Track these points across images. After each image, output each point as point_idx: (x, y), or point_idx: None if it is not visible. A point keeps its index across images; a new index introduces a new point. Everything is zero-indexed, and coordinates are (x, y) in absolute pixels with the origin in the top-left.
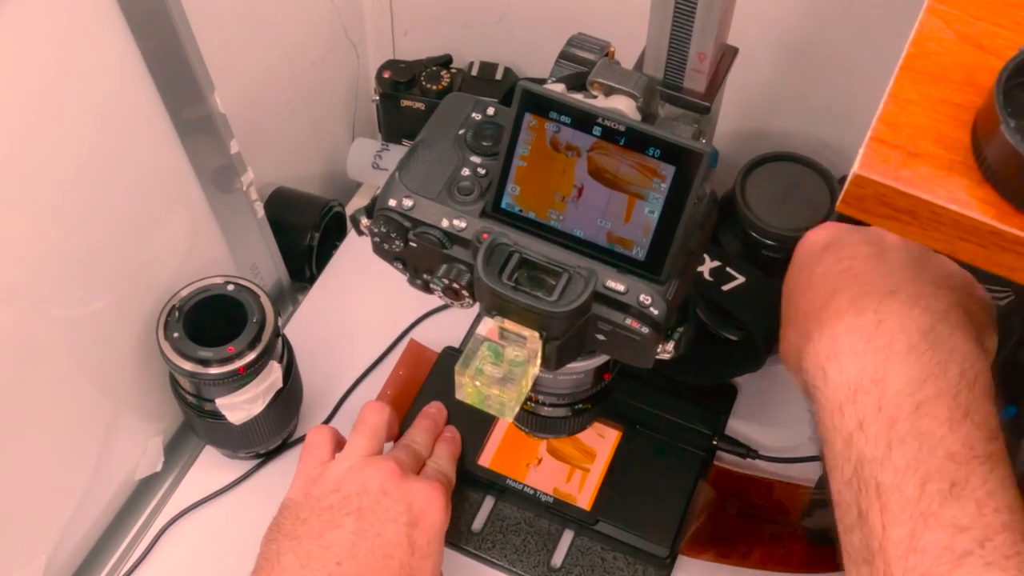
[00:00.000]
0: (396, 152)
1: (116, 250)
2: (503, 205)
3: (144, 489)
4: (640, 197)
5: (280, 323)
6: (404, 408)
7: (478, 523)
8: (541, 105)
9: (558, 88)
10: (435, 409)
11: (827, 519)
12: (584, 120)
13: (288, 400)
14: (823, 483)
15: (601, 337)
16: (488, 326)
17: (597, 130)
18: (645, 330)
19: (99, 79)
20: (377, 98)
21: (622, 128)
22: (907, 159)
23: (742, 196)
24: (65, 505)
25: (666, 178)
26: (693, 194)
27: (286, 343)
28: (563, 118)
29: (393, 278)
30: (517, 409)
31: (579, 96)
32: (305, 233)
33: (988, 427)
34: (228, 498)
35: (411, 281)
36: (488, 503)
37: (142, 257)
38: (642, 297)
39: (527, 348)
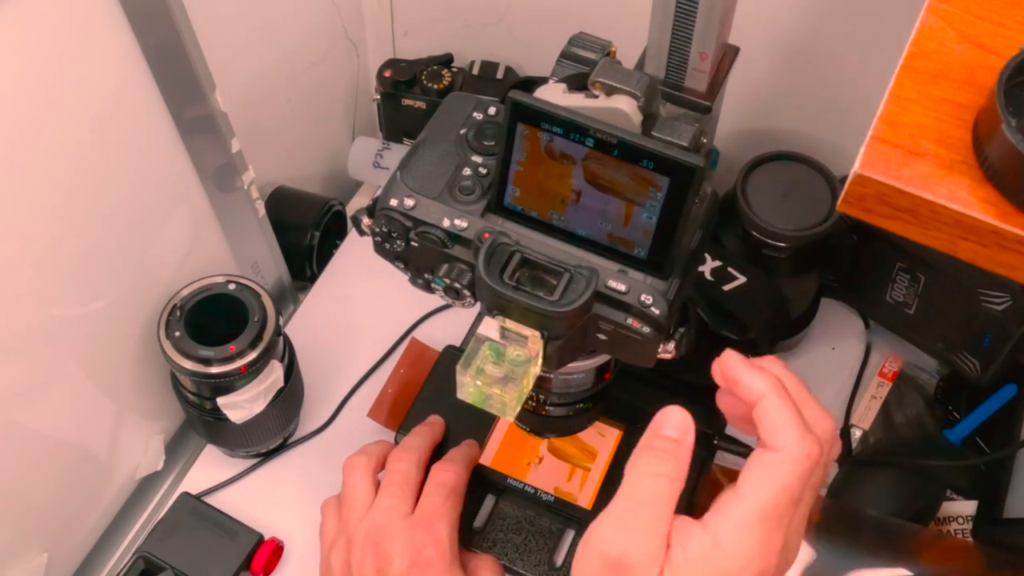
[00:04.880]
0: (397, 151)
1: (117, 249)
2: (504, 205)
3: (145, 488)
4: (637, 204)
5: (281, 322)
6: (405, 407)
7: (479, 522)
8: (532, 116)
9: (559, 88)
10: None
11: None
12: (576, 131)
13: (289, 399)
14: (837, 493)
15: (602, 337)
16: (489, 325)
17: (590, 141)
18: (646, 330)
19: (100, 78)
20: (378, 97)
21: (614, 140)
22: (908, 158)
23: (743, 196)
24: (66, 503)
25: (661, 188)
26: (689, 202)
27: (287, 342)
28: (555, 129)
29: (394, 277)
30: (518, 408)
31: (580, 95)
32: (305, 232)
33: None
34: (228, 497)
35: (412, 281)
36: (489, 502)
37: (143, 256)
38: (643, 297)
39: (528, 348)
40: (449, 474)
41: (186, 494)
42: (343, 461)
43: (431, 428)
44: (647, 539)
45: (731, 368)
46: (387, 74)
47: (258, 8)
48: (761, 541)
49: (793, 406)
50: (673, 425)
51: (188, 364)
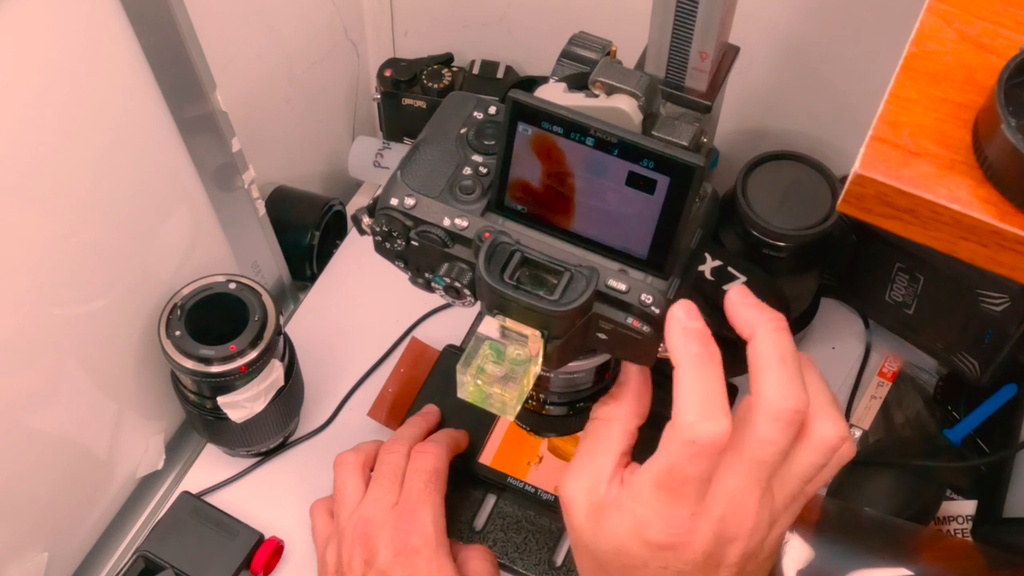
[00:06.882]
0: (397, 151)
1: (118, 248)
2: (505, 204)
3: (145, 487)
4: (637, 203)
5: (281, 321)
6: (405, 407)
7: (479, 521)
8: (532, 115)
9: (559, 87)
10: (422, 414)
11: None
12: (577, 130)
13: (289, 399)
14: (837, 493)
15: (602, 336)
16: (490, 325)
17: (590, 140)
18: (646, 329)
19: (101, 77)
20: (378, 96)
21: (615, 139)
22: (908, 158)
23: (743, 195)
24: (67, 502)
25: (662, 187)
26: (689, 201)
27: (287, 341)
28: (555, 128)
29: (394, 277)
30: (518, 408)
31: (580, 95)
32: (305, 232)
33: None
34: (228, 497)
35: (413, 280)
36: (489, 501)
37: (144, 255)
38: (644, 296)
39: (529, 347)
40: (428, 456)
41: (186, 493)
42: None
43: (424, 418)
44: (581, 481)
45: (729, 301)
46: (387, 73)
47: (258, 8)
48: (663, 504)
49: (789, 355)
50: (628, 371)
51: (188, 363)
